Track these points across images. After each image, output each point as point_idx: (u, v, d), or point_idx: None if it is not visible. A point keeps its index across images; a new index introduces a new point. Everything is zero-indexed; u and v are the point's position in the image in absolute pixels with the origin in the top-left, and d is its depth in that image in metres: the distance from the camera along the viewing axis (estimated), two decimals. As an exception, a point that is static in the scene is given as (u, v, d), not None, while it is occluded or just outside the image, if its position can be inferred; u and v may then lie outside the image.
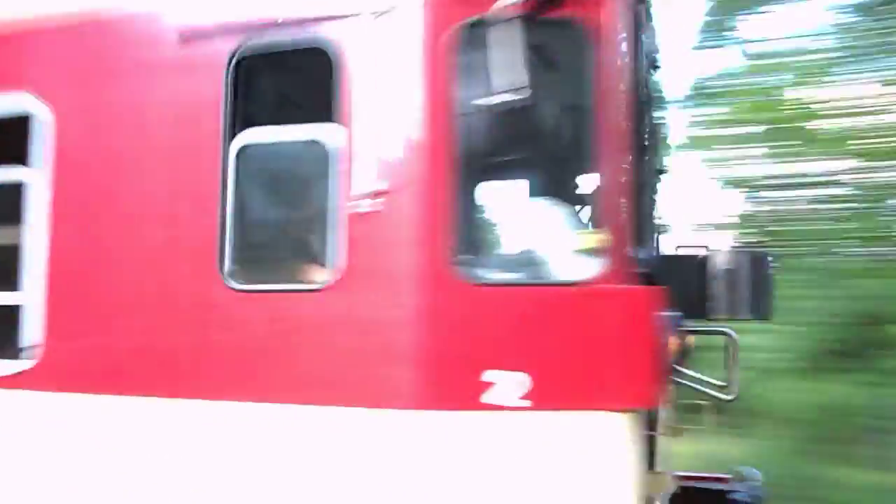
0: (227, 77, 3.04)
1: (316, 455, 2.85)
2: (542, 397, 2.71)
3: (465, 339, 2.74)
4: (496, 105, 2.75)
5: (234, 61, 3.05)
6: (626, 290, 2.74)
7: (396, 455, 2.76)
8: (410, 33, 2.85)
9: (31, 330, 3.26)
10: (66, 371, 3.20)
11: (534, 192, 3.25)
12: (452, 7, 2.82)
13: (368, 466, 2.78)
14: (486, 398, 2.72)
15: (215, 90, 3.06)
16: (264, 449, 2.90)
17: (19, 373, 3.26)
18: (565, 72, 2.90)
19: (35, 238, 3.29)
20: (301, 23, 2.98)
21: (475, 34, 2.79)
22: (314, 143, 2.96)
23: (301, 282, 3.08)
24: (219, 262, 3.00)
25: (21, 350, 3.30)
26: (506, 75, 2.71)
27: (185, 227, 3.08)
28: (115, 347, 3.14)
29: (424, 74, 2.83)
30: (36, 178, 3.32)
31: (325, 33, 2.94)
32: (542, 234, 2.93)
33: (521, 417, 2.72)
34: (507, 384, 2.72)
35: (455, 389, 2.73)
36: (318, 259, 3.02)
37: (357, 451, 2.79)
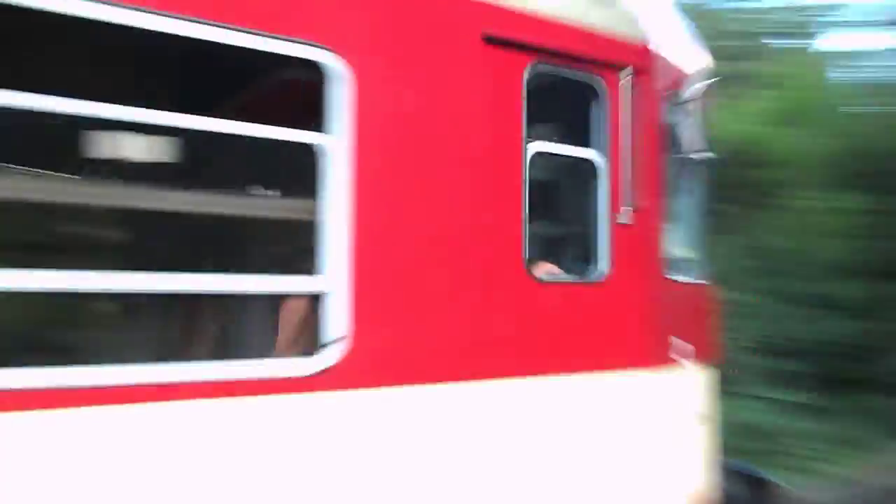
0: (516, 85, 3.47)
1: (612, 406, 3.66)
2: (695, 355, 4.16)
3: (673, 317, 3.99)
4: (686, 154, 4.09)
5: (527, 77, 3.50)
6: (713, 287, 4.42)
7: (647, 404, 3.82)
8: (651, 93, 3.90)
9: (339, 321, 2.95)
10: (395, 364, 3.05)
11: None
12: (665, 82, 4.00)
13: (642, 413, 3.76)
14: (673, 356, 4.02)
15: (516, 98, 3.46)
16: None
17: (321, 371, 2.92)
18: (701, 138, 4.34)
19: (338, 216, 2.97)
20: (586, 62, 3.67)
21: (676, 104, 4.05)
22: (588, 161, 3.70)
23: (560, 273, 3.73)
24: (523, 259, 3.44)
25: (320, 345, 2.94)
26: (691, 136, 4.09)
27: (484, 220, 3.37)
28: (443, 336, 3.19)
29: (657, 126, 3.94)
30: (335, 145, 2.99)
31: (603, 76, 3.72)
32: (684, 246, 4.29)
33: (686, 370, 4.12)
34: (681, 348, 4.09)
35: (667, 351, 3.96)
36: (581, 257, 3.75)
37: (624, 403, 3.74)
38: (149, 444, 2.51)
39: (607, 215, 3.73)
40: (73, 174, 3.30)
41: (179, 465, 2.59)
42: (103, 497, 2.42)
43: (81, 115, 2.54)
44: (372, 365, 2.98)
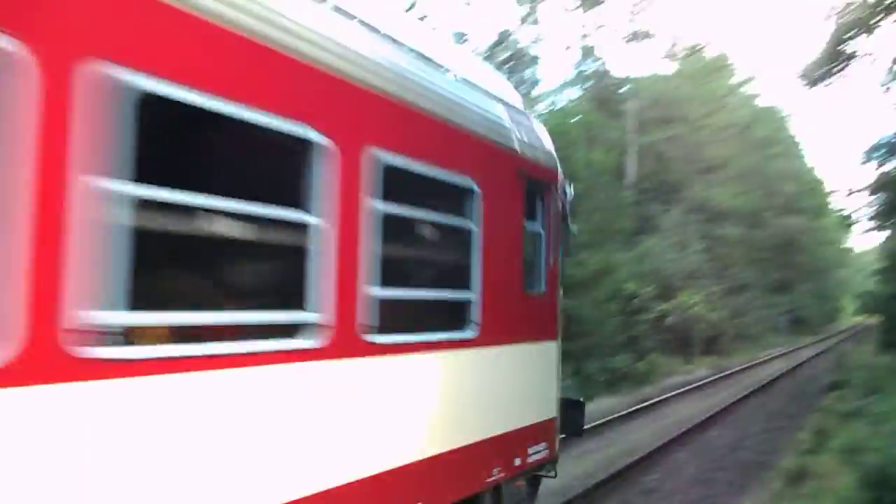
0: (521, 194, 7.00)
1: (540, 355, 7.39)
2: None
3: (556, 313, 7.84)
4: (566, 230, 7.98)
5: (525, 190, 7.04)
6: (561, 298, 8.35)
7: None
8: (561, 196, 7.69)
9: (476, 313, 6.20)
10: (491, 335, 6.37)
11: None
12: (560, 188, 7.83)
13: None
14: (556, 334, 7.89)
15: (519, 200, 6.97)
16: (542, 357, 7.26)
17: (470, 339, 6.17)
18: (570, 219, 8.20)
19: (475, 263, 6.21)
20: (540, 181, 7.32)
21: (562, 201, 7.92)
22: (538, 233, 7.35)
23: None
24: (522, 282, 6.98)
25: (467, 325, 6.16)
26: (567, 218, 8.01)
27: (513, 263, 6.84)
28: (502, 321, 6.57)
29: (559, 213, 7.73)
30: (476, 230, 6.24)
31: (545, 186, 7.41)
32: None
33: (557, 341, 7.98)
34: (557, 329, 7.94)
35: (556, 331, 7.81)
36: (532, 283, 7.35)
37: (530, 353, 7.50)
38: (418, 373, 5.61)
39: (545, 261, 7.36)
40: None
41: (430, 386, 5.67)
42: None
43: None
44: (487, 335, 6.26)
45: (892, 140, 21.09)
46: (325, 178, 4.54)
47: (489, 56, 39.08)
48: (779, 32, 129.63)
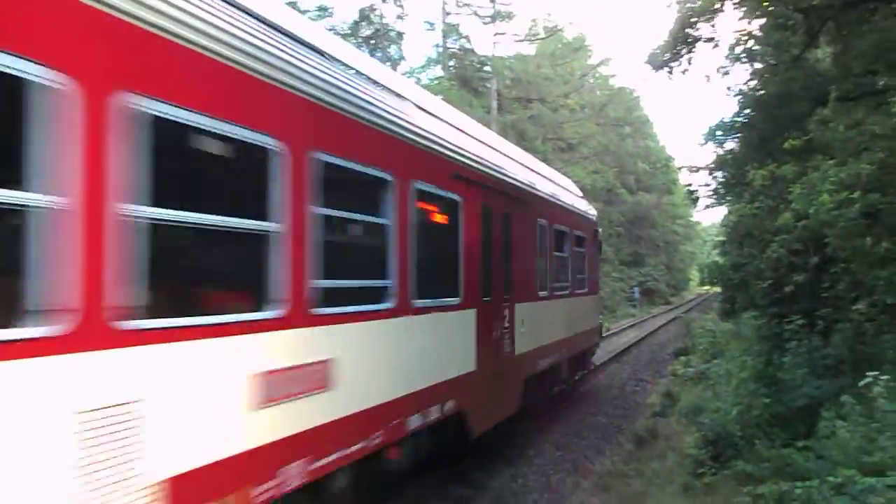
0: (591, 234, 18.22)
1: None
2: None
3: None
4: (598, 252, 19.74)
5: (592, 232, 18.06)
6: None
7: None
8: (596, 233, 19.48)
9: (586, 282, 17.49)
10: (590, 290, 17.97)
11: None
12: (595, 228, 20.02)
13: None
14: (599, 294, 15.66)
15: (592, 236, 18.12)
16: (598, 299, 19.31)
17: (585, 291, 17.37)
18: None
19: (586, 264, 17.55)
20: (588, 229, 18.88)
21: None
22: (595, 249, 19.14)
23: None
24: (593, 269, 17.80)
25: (586, 286, 17.53)
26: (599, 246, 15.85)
27: (593, 263, 18.02)
28: (591, 285, 17.76)
29: (597, 244, 19.40)
30: (586, 251, 17.81)
31: (593, 231, 18.88)
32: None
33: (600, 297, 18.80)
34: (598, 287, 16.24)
35: (597, 289, 16.83)
36: (594, 270, 18.87)
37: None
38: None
39: (597, 260, 18.74)
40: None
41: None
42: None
43: None
44: (589, 291, 17.80)
45: (729, 122, 22.59)
46: (567, 243, 15.73)
47: (352, 33, 38.84)
48: (632, 15, 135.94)
